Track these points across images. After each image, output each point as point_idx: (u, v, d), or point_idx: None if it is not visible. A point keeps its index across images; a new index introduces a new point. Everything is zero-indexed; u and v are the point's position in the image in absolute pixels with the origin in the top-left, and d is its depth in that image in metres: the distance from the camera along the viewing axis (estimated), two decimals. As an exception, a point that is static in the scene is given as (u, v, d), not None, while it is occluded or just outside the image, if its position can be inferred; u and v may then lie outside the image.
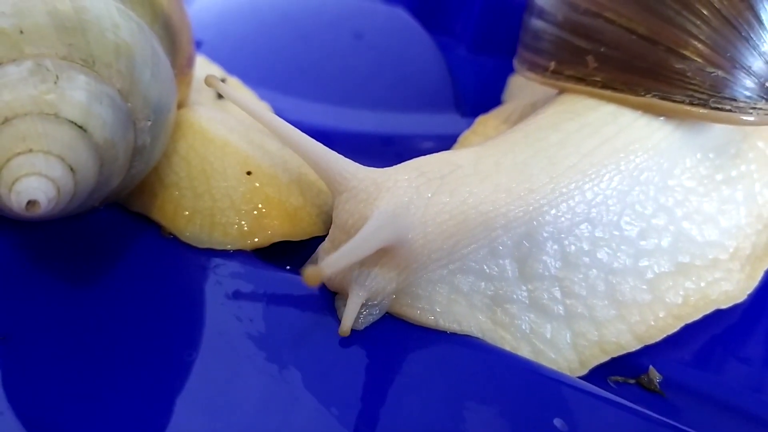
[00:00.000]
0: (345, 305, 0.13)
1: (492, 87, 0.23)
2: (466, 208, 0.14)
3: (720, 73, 0.15)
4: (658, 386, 0.15)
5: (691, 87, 0.15)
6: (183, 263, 0.15)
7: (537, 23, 0.17)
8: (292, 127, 0.15)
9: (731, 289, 0.16)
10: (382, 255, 0.13)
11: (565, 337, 0.14)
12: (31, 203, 0.11)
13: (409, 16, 0.25)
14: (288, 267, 0.16)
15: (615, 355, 0.14)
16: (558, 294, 0.15)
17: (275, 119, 0.15)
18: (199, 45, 0.24)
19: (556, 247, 0.15)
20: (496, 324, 0.14)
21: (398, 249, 0.13)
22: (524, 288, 0.14)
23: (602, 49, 0.16)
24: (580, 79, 0.16)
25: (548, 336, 0.14)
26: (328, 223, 0.16)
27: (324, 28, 0.24)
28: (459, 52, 0.27)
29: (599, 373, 0.15)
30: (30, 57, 0.12)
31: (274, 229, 0.16)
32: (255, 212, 0.16)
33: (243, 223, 0.16)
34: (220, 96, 0.20)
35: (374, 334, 0.14)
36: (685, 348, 0.15)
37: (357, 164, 0.15)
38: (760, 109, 0.16)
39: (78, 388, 0.13)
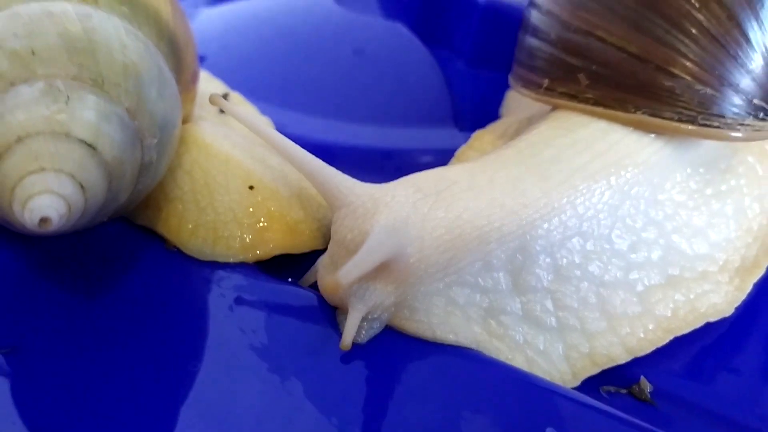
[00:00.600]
0: (346, 320, 0.14)
1: (490, 100, 0.24)
2: (462, 222, 0.14)
3: (708, 90, 0.16)
4: (649, 396, 0.15)
5: (680, 104, 0.16)
6: (187, 276, 0.16)
7: (531, 41, 0.18)
8: (292, 143, 0.16)
9: (719, 301, 0.16)
10: (380, 270, 0.14)
11: (558, 348, 0.15)
12: (43, 220, 0.11)
13: (408, 31, 0.26)
14: (289, 279, 0.17)
15: (606, 367, 0.15)
16: (550, 306, 0.15)
17: (276, 135, 0.16)
18: (202, 60, 0.25)
19: (548, 260, 0.15)
20: (491, 335, 0.15)
21: (396, 263, 0.14)
22: (518, 300, 0.15)
23: (594, 67, 0.16)
24: (572, 96, 0.17)
25: (541, 347, 0.15)
26: (328, 236, 0.16)
27: (325, 44, 0.25)
28: (458, 66, 0.27)
29: (592, 383, 0.15)
30: (42, 77, 0.13)
31: (276, 243, 0.16)
32: (257, 226, 0.16)
33: (245, 236, 0.16)
34: (223, 111, 0.21)
35: (374, 347, 0.14)
36: (675, 358, 0.16)
37: (355, 180, 0.15)
38: (748, 125, 0.16)
39: (84, 399, 0.13)
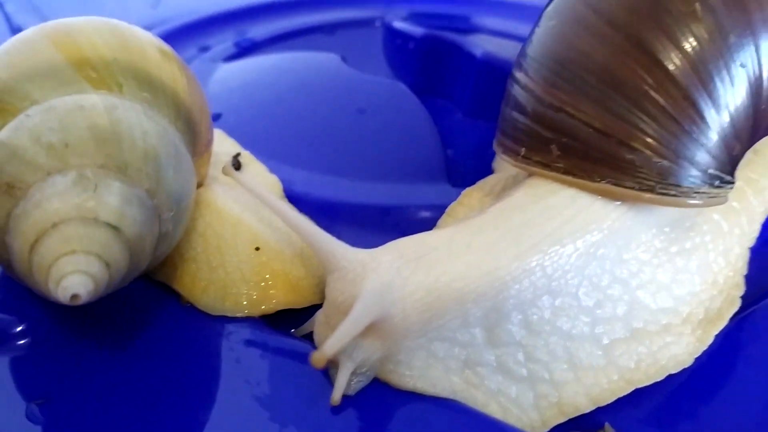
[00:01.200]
0: (337, 375, 0.16)
1: (485, 150, 0.26)
2: (440, 285, 0.16)
3: (666, 162, 0.17)
4: (611, 439, 0.17)
5: (640, 175, 0.17)
6: (200, 329, 0.18)
7: (511, 113, 0.20)
8: (293, 211, 0.18)
9: (681, 353, 0.18)
10: (367, 329, 0.16)
11: (529, 397, 0.17)
12: (74, 296, 0.13)
13: (407, 89, 0.28)
14: (292, 330, 0.19)
15: (572, 416, 0.17)
16: (522, 358, 0.17)
17: (278, 203, 0.18)
18: (217, 117, 0.27)
19: (520, 316, 0.17)
20: (468, 384, 0.17)
21: (382, 323, 0.16)
22: (492, 353, 0.17)
23: (564, 140, 0.18)
24: (545, 165, 0.18)
25: (514, 396, 0.16)
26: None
27: (332, 102, 0.27)
28: (457, 116, 0.30)
29: (561, 428, 0.17)
30: (74, 167, 0.15)
31: (279, 299, 0.18)
32: (262, 284, 0.18)
33: (252, 293, 0.18)
34: (236, 168, 0.23)
35: (362, 398, 0.16)
36: (639, 406, 0.17)
37: (347, 246, 0.17)
38: (704, 192, 0.18)
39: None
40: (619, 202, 0.18)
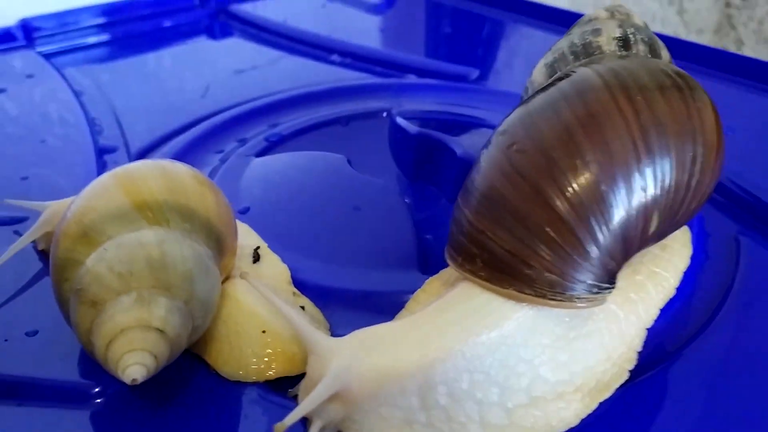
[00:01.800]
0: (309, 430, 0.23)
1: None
2: (386, 366, 0.23)
3: (554, 277, 0.24)
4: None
5: (535, 285, 0.24)
6: (221, 391, 0.25)
7: (454, 230, 0.26)
8: (288, 307, 0.25)
9: (568, 416, 0.24)
10: (333, 398, 0.23)
11: (449, 447, 0.23)
12: (133, 380, 0.21)
13: (395, 187, 0.35)
14: (289, 390, 0.26)
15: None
16: (445, 418, 0.23)
17: (275, 299, 0.25)
18: (245, 211, 0.35)
19: (445, 388, 0.23)
20: (406, 429, 0.23)
21: (343, 393, 0.22)
22: (424, 414, 0.23)
23: (485, 256, 0.25)
24: (473, 272, 0.25)
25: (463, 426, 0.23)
26: (312, 365, 0.25)
27: (335, 200, 0.34)
28: (442, 202, 0.36)
29: (474, 470, 0.23)
30: (134, 289, 0.22)
31: (279, 369, 0.25)
32: (266, 358, 0.25)
33: (260, 364, 0.25)
34: (255, 260, 0.30)
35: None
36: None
37: (321, 334, 0.24)
38: (585, 298, 0.24)
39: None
40: (524, 304, 0.24)
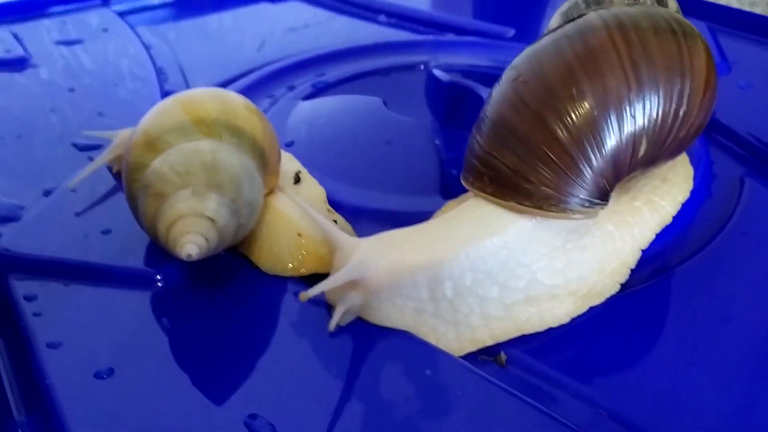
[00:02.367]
0: (333, 312, 0.27)
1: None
2: (400, 262, 0.27)
3: (550, 191, 0.27)
4: (505, 363, 0.27)
5: (534, 198, 0.27)
6: (260, 281, 0.29)
7: (468, 152, 0.30)
8: (318, 214, 0.28)
9: (560, 314, 0.27)
10: (354, 286, 0.26)
11: (453, 333, 0.27)
12: (188, 255, 0.25)
13: (424, 126, 0.38)
14: (301, 293, 0.30)
15: (480, 347, 0.27)
16: (450, 309, 0.27)
17: (309, 207, 0.29)
18: (290, 144, 0.39)
19: (450, 284, 0.27)
20: (415, 323, 0.27)
21: (362, 283, 0.26)
22: (431, 305, 0.27)
23: (492, 173, 0.28)
24: (481, 189, 0.28)
25: (443, 331, 0.27)
26: (339, 264, 0.29)
27: (369, 135, 0.38)
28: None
29: (472, 354, 0.27)
30: (191, 185, 0.27)
31: (310, 266, 0.29)
32: (300, 257, 0.29)
33: (294, 262, 0.29)
34: (296, 182, 0.34)
35: (350, 328, 0.27)
36: (527, 344, 0.27)
37: (345, 234, 0.28)
38: (579, 212, 0.27)
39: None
40: (524, 215, 0.28)
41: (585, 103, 0.27)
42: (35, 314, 0.27)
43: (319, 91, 0.45)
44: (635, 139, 0.27)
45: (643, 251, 0.30)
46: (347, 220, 0.33)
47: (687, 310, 0.28)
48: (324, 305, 0.28)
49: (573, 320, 0.28)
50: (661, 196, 0.32)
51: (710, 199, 0.35)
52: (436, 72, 0.44)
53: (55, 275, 0.29)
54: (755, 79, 0.45)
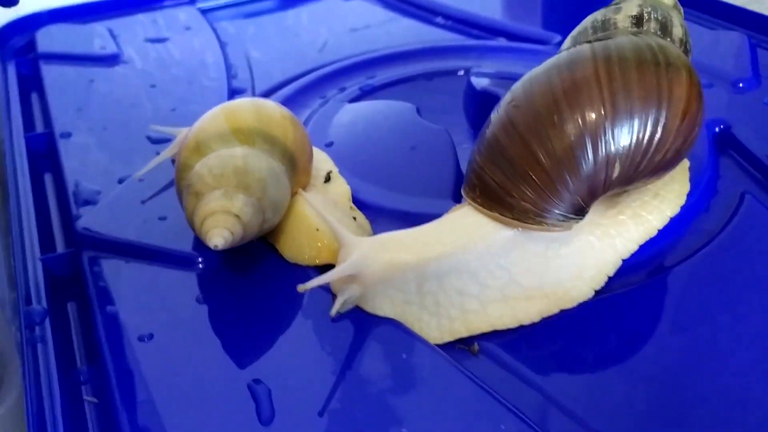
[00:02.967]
0: (335, 301, 0.31)
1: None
2: (394, 261, 0.31)
3: (530, 206, 0.31)
4: (476, 352, 0.31)
5: (515, 211, 0.31)
6: (283, 270, 0.35)
7: (468, 166, 0.34)
8: (327, 214, 0.33)
9: (532, 313, 0.31)
10: (353, 279, 0.31)
11: (434, 323, 0.31)
12: (215, 245, 0.31)
13: (447, 134, 0.42)
14: (299, 285, 0.34)
15: (457, 338, 0.31)
16: (433, 303, 0.31)
17: (319, 209, 0.33)
18: (330, 144, 0.44)
19: (436, 281, 0.31)
20: (404, 312, 0.31)
21: (360, 277, 0.31)
22: (418, 298, 0.31)
23: (482, 186, 0.32)
24: (473, 198, 0.32)
25: (426, 321, 0.31)
26: (348, 258, 0.34)
27: (395, 141, 0.42)
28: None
29: (452, 344, 0.31)
30: (223, 187, 0.32)
31: (324, 257, 0.34)
32: (317, 249, 0.34)
33: (312, 252, 0.34)
34: (326, 181, 0.39)
35: (348, 315, 0.32)
36: (501, 338, 0.31)
37: (349, 234, 0.32)
38: (555, 225, 0.31)
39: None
40: (506, 225, 0.32)
41: (565, 131, 0.30)
42: (99, 284, 0.34)
43: (365, 93, 0.49)
44: (609, 162, 0.30)
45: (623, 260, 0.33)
46: (369, 217, 0.37)
47: (655, 320, 0.31)
48: (331, 293, 0.32)
49: (544, 320, 0.31)
50: (649, 211, 0.34)
51: (705, 213, 0.37)
52: (473, 79, 0.47)
53: (118, 253, 0.36)
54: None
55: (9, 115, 0.50)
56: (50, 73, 0.55)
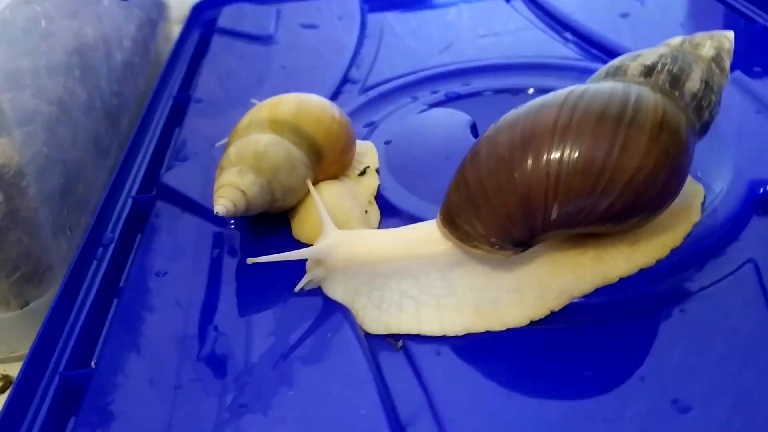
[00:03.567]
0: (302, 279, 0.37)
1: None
2: (353, 255, 0.36)
3: (474, 233, 0.33)
4: (398, 348, 0.34)
5: (459, 232, 0.34)
6: (290, 246, 0.41)
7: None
8: (322, 205, 0.39)
9: (458, 327, 0.34)
10: (319, 263, 0.36)
11: (375, 315, 0.35)
12: (217, 212, 0.38)
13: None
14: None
15: (389, 332, 0.35)
16: (378, 297, 0.35)
17: (317, 199, 0.39)
18: (388, 142, 0.49)
19: (383, 279, 0.35)
20: (353, 300, 0.35)
21: (324, 262, 0.36)
22: (367, 289, 0.35)
23: (444, 207, 0.35)
24: (438, 214, 0.36)
25: (369, 312, 0.35)
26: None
27: (436, 150, 0.46)
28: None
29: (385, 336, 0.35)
30: (240, 165, 0.39)
31: (320, 241, 0.40)
32: (315, 233, 0.40)
33: (311, 234, 0.40)
34: (361, 174, 0.45)
35: (309, 294, 0.37)
36: (430, 343, 0.35)
37: (332, 225, 0.37)
38: (498, 253, 0.33)
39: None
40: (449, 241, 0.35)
41: (511, 171, 0.32)
42: (155, 225, 0.43)
43: (449, 100, 0.53)
44: (547, 206, 0.32)
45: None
46: (386, 215, 0.42)
47: (575, 367, 0.32)
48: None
49: (468, 335, 0.34)
50: (615, 257, 0.35)
51: (687, 272, 0.36)
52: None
53: (178, 204, 0.45)
54: None
55: (170, 76, 0.61)
56: (216, 46, 0.65)
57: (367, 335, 0.35)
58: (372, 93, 0.55)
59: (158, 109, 0.56)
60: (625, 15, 0.64)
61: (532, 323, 0.34)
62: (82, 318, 0.37)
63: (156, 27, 0.70)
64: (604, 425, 0.29)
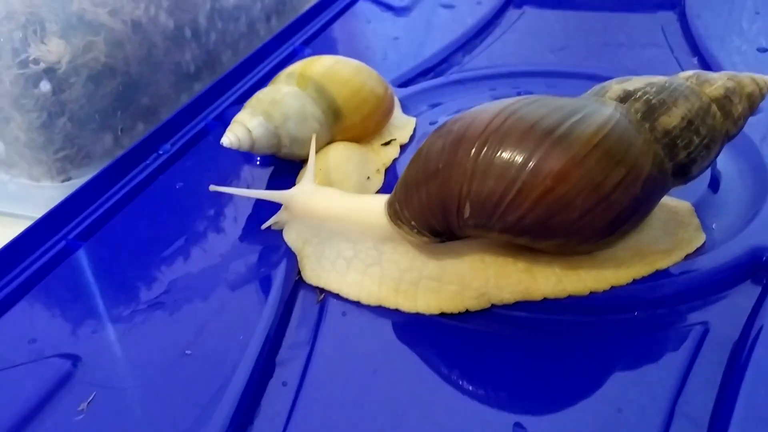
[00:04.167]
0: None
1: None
2: (309, 207, 0.39)
3: (398, 209, 0.35)
4: (318, 301, 0.37)
5: (390, 209, 0.35)
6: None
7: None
8: (312, 165, 0.42)
9: (364, 296, 0.35)
10: (284, 209, 0.40)
11: (313, 266, 0.38)
12: (221, 142, 0.42)
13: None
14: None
15: (319, 285, 0.37)
16: (320, 252, 0.38)
17: (311, 162, 0.42)
18: (434, 122, 0.50)
19: (328, 233, 0.38)
20: (301, 249, 0.38)
21: (288, 208, 0.39)
22: (316, 241, 0.38)
23: (394, 192, 0.37)
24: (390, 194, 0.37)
25: (311, 261, 0.38)
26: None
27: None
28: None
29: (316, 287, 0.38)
30: (255, 108, 0.43)
31: (311, 192, 0.43)
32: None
33: (308, 186, 0.44)
34: (385, 144, 0.47)
35: (268, 235, 0.41)
36: (346, 303, 0.36)
37: (310, 179, 0.40)
38: (417, 236, 0.34)
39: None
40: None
41: (438, 162, 0.32)
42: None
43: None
44: (461, 202, 0.32)
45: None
46: (388, 185, 0.44)
47: (452, 364, 0.32)
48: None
49: (379, 308, 0.36)
50: (547, 276, 0.33)
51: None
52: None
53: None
54: None
55: (301, 27, 0.67)
56: (358, 7, 0.70)
57: (301, 282, 0.38)
58: (455, 76, 0.56)
59: (271, 55, 0.62)
60: None
61: (444, 315, 0.35)
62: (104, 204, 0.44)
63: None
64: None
